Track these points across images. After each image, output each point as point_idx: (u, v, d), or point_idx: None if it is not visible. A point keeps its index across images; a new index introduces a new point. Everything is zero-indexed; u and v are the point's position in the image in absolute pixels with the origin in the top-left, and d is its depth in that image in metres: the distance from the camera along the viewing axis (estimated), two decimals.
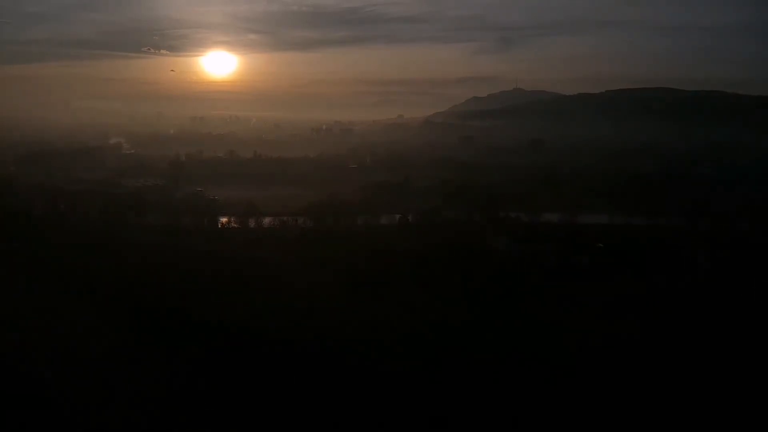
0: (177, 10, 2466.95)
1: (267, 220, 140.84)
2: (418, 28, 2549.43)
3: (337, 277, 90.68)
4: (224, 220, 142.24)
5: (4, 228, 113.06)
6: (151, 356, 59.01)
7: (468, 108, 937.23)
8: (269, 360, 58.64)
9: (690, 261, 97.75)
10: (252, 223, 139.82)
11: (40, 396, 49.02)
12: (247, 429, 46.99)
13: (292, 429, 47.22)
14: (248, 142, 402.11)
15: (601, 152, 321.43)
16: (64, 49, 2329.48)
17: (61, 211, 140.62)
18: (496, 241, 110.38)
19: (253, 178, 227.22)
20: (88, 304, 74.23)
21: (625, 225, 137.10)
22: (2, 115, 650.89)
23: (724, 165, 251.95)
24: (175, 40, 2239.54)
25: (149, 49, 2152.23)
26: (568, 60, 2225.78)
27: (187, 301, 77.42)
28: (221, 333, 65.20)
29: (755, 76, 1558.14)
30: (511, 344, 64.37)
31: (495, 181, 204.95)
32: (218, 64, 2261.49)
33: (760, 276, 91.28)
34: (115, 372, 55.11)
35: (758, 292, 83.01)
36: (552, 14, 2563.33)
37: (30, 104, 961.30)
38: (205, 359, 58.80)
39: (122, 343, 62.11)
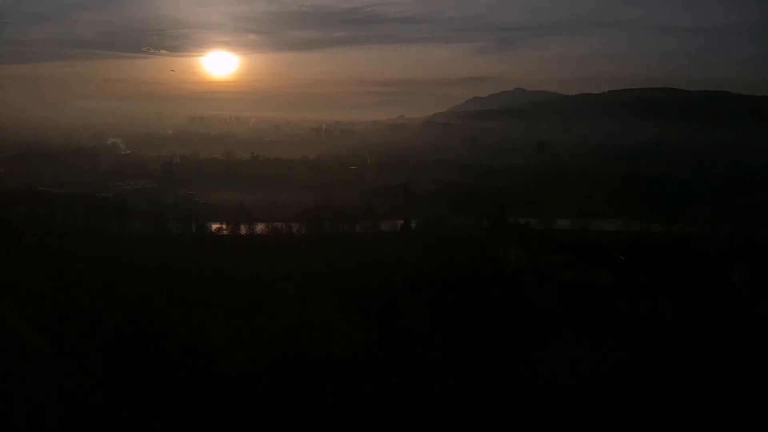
0: (177, 10, 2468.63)
1: (259, 227, 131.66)
2: (418, 28, 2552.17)
3: (327, 294, 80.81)
4: (213, 226, 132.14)
5: None
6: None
7: (469, 108, 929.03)
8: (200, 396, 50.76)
9: (722, 276, 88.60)
10: (243, 229, 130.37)
11: None
12: None
13: None
14: (246, 143, 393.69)
15: (609, 154, 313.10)
16: (64, 49, 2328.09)
17: (38, 216, 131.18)
18: (506, 252, 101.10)
19: (249, 181, 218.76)
20: (23, 317, 66.81)
21: (643, 233, 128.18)
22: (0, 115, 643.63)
23: (737, 167, 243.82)
24: (175, 40, 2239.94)
25: (149, 49, 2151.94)
26: (569, 60, 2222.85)
27: (132, 320, 69.51)
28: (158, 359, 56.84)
29: (759, 76, 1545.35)
30: (520, 380, 55.50)
31: (501, 184, 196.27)
32: (218, 64, 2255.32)
33: None
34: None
35: None
36: (552, 14, 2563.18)
37: (29, 104, 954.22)
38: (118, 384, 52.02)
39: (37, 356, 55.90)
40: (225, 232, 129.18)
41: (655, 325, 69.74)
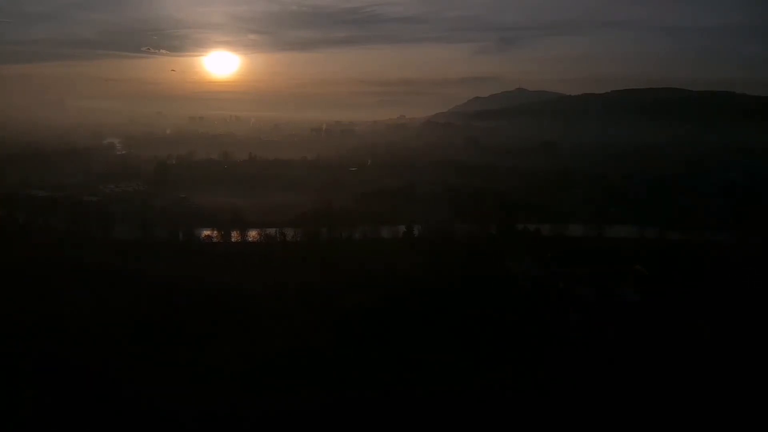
0: (177, 10, 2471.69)
1: (251, 234, 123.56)
2: (418, 28, 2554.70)
3: (317, 316, 71.50)
4: (203, 233, 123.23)
5: None
6: None
7: (470, 108, 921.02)
8: None
9: (756, 291, 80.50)
10: (233, 236, 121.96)
11: None
12: None
13: None
14: (245, 143, 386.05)
15: (615, 154, 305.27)
16: (64, 49, 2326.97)
17: (14, 220, 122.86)
18: (517, 263, 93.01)
19: (246, 182, 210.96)
20: None
21: (660, 240, 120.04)
22: None
23: (746, 168, 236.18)
24: (175, 40, 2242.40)
25: (149, 48, 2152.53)
26: (570, 60, 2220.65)
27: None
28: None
29: (763, 76, 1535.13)
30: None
31: (506, 186, 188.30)
32: (218, 64, 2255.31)
33: None
34: None
35: None
36: (553, 14, 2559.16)
37: (28, 104, 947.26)
38: None
39: None
40: (214, 239, 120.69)
41: (690, 354, 60.91)
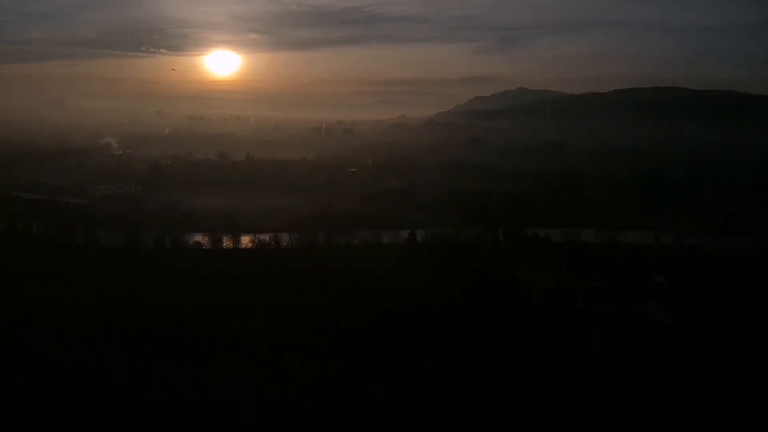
0: (177, 10, 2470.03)
1: (245, 240, 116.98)
2: (419, 28, 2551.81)
3: (306, 340, 63.81)
4: (193, 239, 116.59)
5: None
6: None
7: (472, 108, 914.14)
8: None
9: None
10: (225, 242, 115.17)
11: None
12: None
13: None
14: (244, 143, 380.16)
15: (621, 155, 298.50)
16: (65, 49, 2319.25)
17: None
18: (528, 273, 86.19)
19: (243, 184, 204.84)
20: None
21: (677, 246, 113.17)
22: None
23: (755, 168, 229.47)
24: (176, 39, 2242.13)
25: (149, 48, 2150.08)
26: (572, 59, 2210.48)
27: None
28: None
29: (764, 76, 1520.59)
30: None
31: (513, 188, 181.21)
32: (219, 64, 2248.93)
33: None
34: None
35: None
36: (553, 14, 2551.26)
37: (28, 103, 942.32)
38: None
39: None
40: (204, 245, 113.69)
41: (738, 390, 53.57)
